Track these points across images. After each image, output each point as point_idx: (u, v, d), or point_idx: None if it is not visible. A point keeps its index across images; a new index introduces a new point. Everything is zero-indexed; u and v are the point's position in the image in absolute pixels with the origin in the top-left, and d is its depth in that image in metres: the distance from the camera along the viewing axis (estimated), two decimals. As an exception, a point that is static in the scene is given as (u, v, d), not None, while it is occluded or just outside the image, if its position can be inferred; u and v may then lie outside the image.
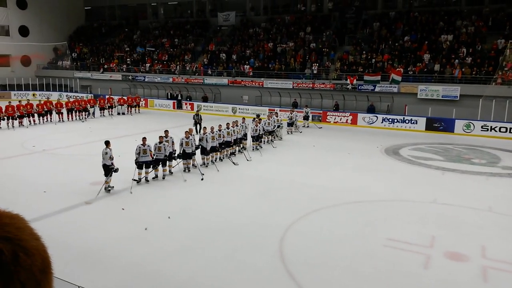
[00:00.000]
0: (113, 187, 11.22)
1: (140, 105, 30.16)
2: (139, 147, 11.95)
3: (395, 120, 24.02)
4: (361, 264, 7.54)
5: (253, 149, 17.08)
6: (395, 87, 25.29)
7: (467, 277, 7.16)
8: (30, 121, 22.21)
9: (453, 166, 15.15)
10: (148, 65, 35.85)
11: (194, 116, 18.23)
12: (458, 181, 13.41)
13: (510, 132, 21.09)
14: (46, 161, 14.82)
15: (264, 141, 18.07)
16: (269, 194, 11.47)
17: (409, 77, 25.69)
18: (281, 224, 9.11)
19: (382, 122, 24.26)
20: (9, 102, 22.73)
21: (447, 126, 22.64)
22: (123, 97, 28.83)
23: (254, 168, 14.47)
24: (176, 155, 13.29)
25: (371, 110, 25.61)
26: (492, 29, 26.74)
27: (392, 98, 25.74)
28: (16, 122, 21.47)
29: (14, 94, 35.10)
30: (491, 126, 21.58)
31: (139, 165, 11.98)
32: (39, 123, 22.66)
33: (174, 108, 31.33)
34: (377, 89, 25.93)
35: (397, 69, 25.50)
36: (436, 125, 22.94)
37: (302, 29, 33.21)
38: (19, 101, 23.49)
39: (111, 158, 11.09)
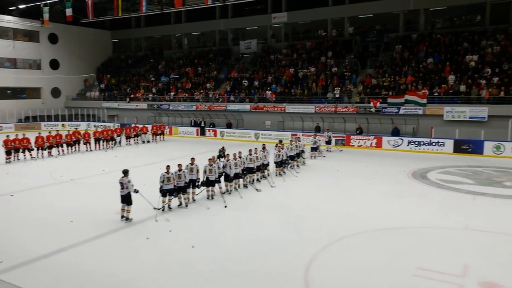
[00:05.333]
0: (131, 219, 11.27)
1: (165, 133, 30.76)
2: (163, 175, 12.05)
3: (422, 143, 23.51)
4: (391, 296, 7.23)
5: (276, 175, 16.98)
6: (420, 109, 24.89)
7: (505, 311, 6.75)
8: (59, 151, 22.90)
9: (484, 190, 14.59)
10: (172, 93, 36.72)
11: (219, 151, 18.46)
12: (490, 205, 12.86)
13: (544, 153, 20.28)
14: (74, 190, 15.15)
15: (287, 166, 17.96)
16: (293, 221, 11.28)
17: (434, 99, 25.26)
18: (306, 254, 8.90)
19: (408, 145, 23.78)
20: (39, 133, 23.60)
21: (475, 148, 21.97)
22: (146, 126, 29.43)
23: (277, 194, 14.34)
24: (199, 182, 13.35)
25: (395, 133, 25.19)
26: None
27: (418, 120, 25.32)
28: (45, 153, 22.17)
29: (44, 125, 36.50)
30: (523, 147, 20.83)
31: (163, 193, 12.06)
32: (68, 153, 23.33)
33: (197, 135, 31.77)
34: (401, 111, 25.61)
35: (422, 91, 25.12)
36: (465, 147, 22.29)
37: (323, 54, 33.45)
38: (49, 131, 24.33)
39: (134, 186, 11.27)
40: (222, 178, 13.98)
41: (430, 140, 23.43)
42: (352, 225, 10.87)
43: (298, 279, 7.83)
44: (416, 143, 23.66)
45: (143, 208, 11.58)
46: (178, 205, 12.61)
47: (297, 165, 18.93)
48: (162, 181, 12.01)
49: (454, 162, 20.14)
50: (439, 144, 23.02)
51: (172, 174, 12.16)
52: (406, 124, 25.62)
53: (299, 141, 19.83)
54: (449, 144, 22.73)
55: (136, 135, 28.26)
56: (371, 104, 26.61)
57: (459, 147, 22.45)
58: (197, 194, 13.43)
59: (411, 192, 14.53)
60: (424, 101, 24.53)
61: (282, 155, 17.22)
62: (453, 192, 14.46)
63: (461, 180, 16.26)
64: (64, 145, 23.27)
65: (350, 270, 8.22)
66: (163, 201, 12.13)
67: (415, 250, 9.26)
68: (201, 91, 35.53)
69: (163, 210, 12.05)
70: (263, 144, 17.10)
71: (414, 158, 21.42)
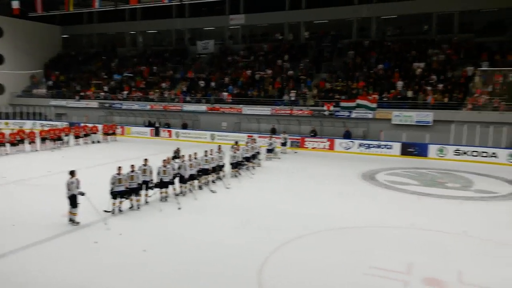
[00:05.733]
0: (78, 223, 10.79)
1: (117, 132, 29.85)
2: (114, 177, 11.68)
3: (371, 146, 24.43)
4: (340, 294, 7.44)
5: (231, 177, 16.97)
6: (371, 113, 25.85)
7: (445, 304, 7.14)
8: (1, 151, 21.52)
9: (428, 191, 15.40)
10: (125, 92, 35.66)
11: (174, 152, 18.17)
12: (434, 205, 13.59)
13: (481, 156, 21.72)
14: (17, 192, 14.30)
15: (243, 168, 17.99)
16: (248, 222, 11.30)
17: (384, 104, 26.34)
18: (261, 254, 8.95)
19: (358, 148, 24.62)
20: (-20, 131, 22.08)
21: (421, 150, 23.14)
22: (96, 125, 28.40)
23: (232, 196, 14.33)
24: (153, 184, 13.06)
25: (347, 135, 26.01)
26: (462, 57, 27.94)
27: (368, 124, 26.29)
28: (-14, 152, 20.79)
29: (-14, 123, 34.18)
30: (463, 150, 22.19)
31: (114, 195, 11.68)
32: (11, 153, 21.97)
33: (151, 135, 31.08)
34: (353, 115, 26.46)
35: (373, 96, 26.13)
36: (411, 150, 23.42)
37: (280, 57, 33.88)
38: (-9, 130, 22.88)
39: (78, 188, 10.78)
40: (176, 180, 13.77)
41: (379, 143, 24.40)
42: (306, 225, 11.06)
43: (252, 279, 7.86)
44: (366, 145, 24.56)
45: (91, 211, 11.13)
46: (130, 208, 12.25)
47: (253, 167, 19.01)
48: (113, 183, 11.63)
49: (401, 164, 21.09)
50: (387, 147, 24.03)
51: (123, 175, 11.81)
52: (357, 127, 26.53)
53: (255, 142, 19.95)
54: (397, 147, 23.78)
55: (86, 135, 27.14)
56: (325, 108, 27.30)
57: (405, 150, 23.54)
58: (150, 196, 13.12)
59: (361, 193, 15.04)
60: (374, 105, 25.52)
61: (238, 157, 17.25)
62: (400, 192, 15.14)
63: (407, 181, 17.06)
64: (8, 144, 21.89)
65: (304, 270, 8.36)
66: (113, 204, 11.75)
67: (365, 249, 9.58)
68: (156, 90, 34.80)
69: (113, 213, 11.67)
70: (219, 145, 17.04)
71: (364, 160, 22.20)
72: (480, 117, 23.14)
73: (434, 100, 25.23)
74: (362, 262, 8.72)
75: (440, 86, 26.10)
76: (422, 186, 16.29)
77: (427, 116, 24.62)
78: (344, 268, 8.48)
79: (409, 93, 26.48)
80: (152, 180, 12.97)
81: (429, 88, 26.19)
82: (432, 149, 22.91)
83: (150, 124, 32.34)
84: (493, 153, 21.47)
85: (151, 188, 13.02)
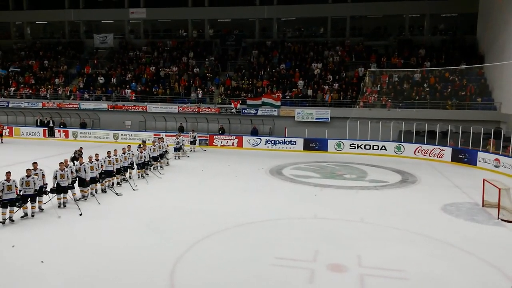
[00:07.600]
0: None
1: (4, 134, 26.74)
2: (2, 183, 10.46)
3: (277, 142, 25.44)
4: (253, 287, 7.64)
5: (138, 177, 16.34)
6: (275, 110, 26.92)
7: (347, 287, 7.76)
8: None
9: (328, 182, 16.55)
10: (13, 89, 32.05)
11: (75, 152, 16.85)
12: (334, 196, 14.62)
13: (373, 148, 23.98)
14: None
15: (150, 168, 17.42)
16: (157, 224, 11.00)
17: (287, 102, 27.61)
18: (171, 257, 8.77)
19: (265, 144, 25.46)
20: None
21: (321, 145, 24.77)
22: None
23: (140, 197, 13.80)
24: (48, 189, 11.97)
25: (254, 132, 26.75)
26: (354, 59, 30.49)
27: (273, 121, 27.32)
28: None
29: None
30: (357, 144, 24.27)
31: (3, 203, 10.46)
32: None
33: (45, 136, 28.44)
34: (259, 112, 27.27)
35: (277, 94, 27.23)
36: (312, 145, 24.93)
37: (185, 54, 33.43)
38: None
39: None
40: (76, 184, 12.83)
41: (284, 139, 25.54)
42: (216, 222, 11.12)
43: (164, 283, 7.67)
44: (273, 142, 25.52)
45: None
46: (22, 217, 11.08)
47: (161, 166, 18.55)
48: (1, 190, 10.41)
49: (304, 159, 22.33)
50: (292, 142, 25.27)
51: (13, 181, 10.64)
52: (263, 124, 27.42)
53: (163, 141, 19.45)
54: (300, 142, 25.12)
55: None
56: (232, 105, 27.71)
57: (308, 145, 25.00)
58: (45, 203, 12.00)
59: (270, 188, 15.59)
60: (279, 103, 26.62)
61: (145, 156, 16.67)
62: (304, 185, 16.03)
63: (310, 175, 18.13)
64: None
65: (215, 266, 8.40)
66: (3, 213, 10.52)
67: (273, 240, 9.95)
68: (49, 87, 31.88)
69: (3, 223, 10.45)
70: (128, 145, 16.38)
71: (271, 156, 23.04)
72: (371, 113, 25.55)
73: (331, 98, 27.17)
74: (270, 254, 9.02)
75: (336, 85, 28.19)
76: (323, 178, 17.45)
77: (326, 113, 26.45)
78: (252, 261, 8.69)
79: (309, 92, 28.13)
80: (46, 184, 11.89)
81: (326, 87, 28.12)
82: (331, 144, 24.65)
83: (42, 124, 29.53)
84: (383, 146, 23.86)
85: (46, 193, 11.92)
